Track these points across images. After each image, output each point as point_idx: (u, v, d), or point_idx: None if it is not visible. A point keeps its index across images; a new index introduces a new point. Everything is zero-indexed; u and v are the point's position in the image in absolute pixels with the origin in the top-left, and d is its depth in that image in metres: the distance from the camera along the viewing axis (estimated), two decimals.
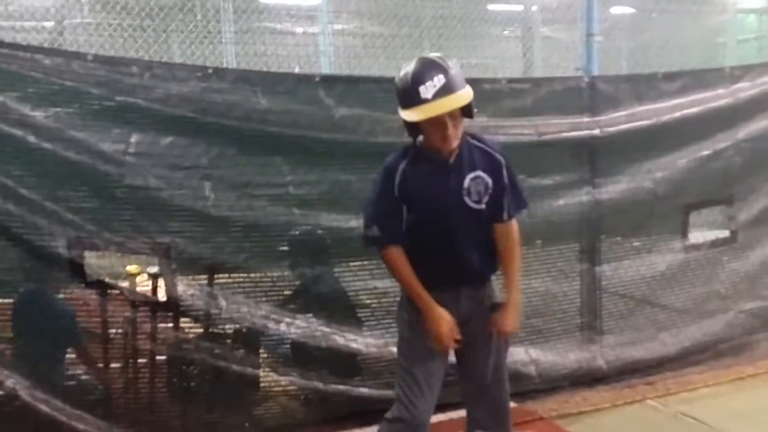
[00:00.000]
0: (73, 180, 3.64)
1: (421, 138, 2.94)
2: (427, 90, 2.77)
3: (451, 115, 2.82)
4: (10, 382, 3.44)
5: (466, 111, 2.87)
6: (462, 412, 3.33)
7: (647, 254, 4.83)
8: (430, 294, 2.98)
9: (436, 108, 2.78)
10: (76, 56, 3.70)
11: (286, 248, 4.07)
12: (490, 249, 3.08)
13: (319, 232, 4.06)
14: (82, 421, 3.57)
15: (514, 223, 3.10)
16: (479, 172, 2.97)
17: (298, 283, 4.14)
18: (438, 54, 2.96)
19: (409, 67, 2.85)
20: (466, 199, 2.96)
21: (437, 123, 2.82)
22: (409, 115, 2.82)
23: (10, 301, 3.72)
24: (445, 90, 2.78)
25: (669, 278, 4.87)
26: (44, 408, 3.49)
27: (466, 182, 2.95)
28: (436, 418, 3.78)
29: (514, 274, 3.11)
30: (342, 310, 4.12)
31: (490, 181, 2.98)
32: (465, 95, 2.83)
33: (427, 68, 2.81)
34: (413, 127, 2.88)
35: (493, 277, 3.17)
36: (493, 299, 3.13)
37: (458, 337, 3.00)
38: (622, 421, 4.26)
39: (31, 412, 3.47)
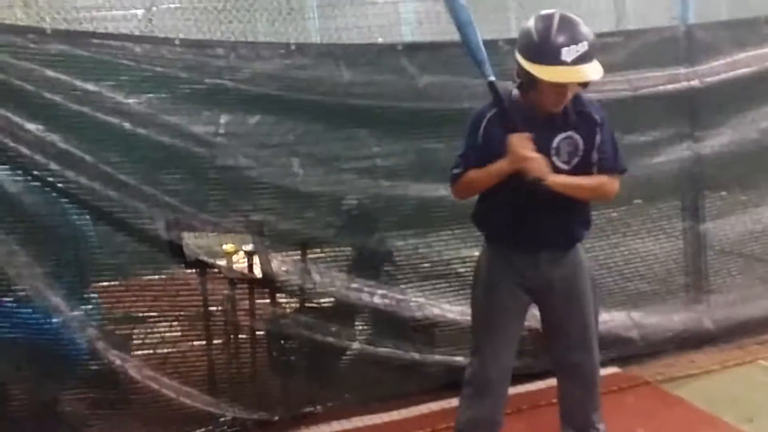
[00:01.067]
0: (167, 163, 3.73)
1: (516, 91, 2.84)
2: (569, 53, 2.63)
3: (572, 88, 2.75)
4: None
5: (583, 83, 2.80)
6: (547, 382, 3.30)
7: (754, 208, 4.61)
8: (509, 254, 2.93)
9: (572, 75, 2.67)
10: (164, 42, 3.76)
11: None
12: (577, 213, 2.96)
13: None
14: (189, 396, 3.70)
15: (605, 179, 2.93)
16: (571, 132, 2.85)
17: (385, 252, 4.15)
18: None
19: (550, 21, 2.68)
20: (555, 158, 2.84)
21: (557, 89, 2.72)
22: (541, 72, 2.66)
23: (117, 283, 3.89)
24: (585, 58, 2.66)
25: None
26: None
27: (556, 141, 2.84)
28: (524, 388, 3.85)
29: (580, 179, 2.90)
30: (433, 279, 4.10)
31: (581, 142, 2.86)
32: (600, 69, 2.72)
33: (573, 29, 2.67)
34: (530, 81, 2.74)
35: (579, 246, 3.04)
36: (581, 265, 3.02)
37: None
38: (732, 382, 4.11)
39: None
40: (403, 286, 4.10)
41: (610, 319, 4.27)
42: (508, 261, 2.96)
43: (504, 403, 3.07)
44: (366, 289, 4.04)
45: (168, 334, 3.93)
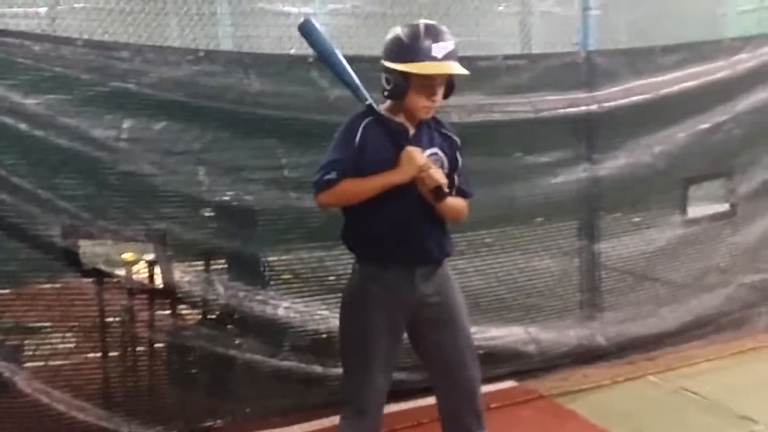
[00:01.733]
0: (65, 168, 3.61)
1: (383, 106, 2.87)
2: (439, 49, 2.71)
3: (441, 85, 2.80)
4: None
5: (447, 89, 2.84)
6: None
7: (646, 229, 4.82)
8: (383, 274, 2.86)
9: (444, 68, 2.73)
10: (66, 41, 3.63)
11: None
12: (444, 229, 2.98)
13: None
14: (82, 411, 3.57)
15: (465, 203, 2.99)
16: (437, 149, 2.91)
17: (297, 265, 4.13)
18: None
19: (417, 26, 2.76)
20: None
21: (428, 87, 2.77)
22: (413, 68, 2.71)
23: (8, 291, 3.72)
24: (453, 56, 2.75)
25: (669, 253, 4.86)
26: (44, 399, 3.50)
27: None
28: (398, 407, 3.84)
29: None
30: (339, 292, 4.10)
31: (446, 160, 2.92)
32: (464, 71, 2.79)
33: (439, 31, 2.77)
34: (401, 87, 2.77)
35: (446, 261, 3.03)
36: (451, 280, 3.03)
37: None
38: (622, 397, 4.27)
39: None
40: (308, 299, 4.08)
41: (508, 334, 4.39)
42: (381, 281, 2.88)
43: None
44: (271, 301, 4.00)
45: (61, 346, 3.77)
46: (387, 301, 2.89)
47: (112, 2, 5.79)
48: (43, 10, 5.19)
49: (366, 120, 2.84)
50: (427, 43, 2.73)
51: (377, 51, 3.01)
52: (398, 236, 2.86)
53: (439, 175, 2.78)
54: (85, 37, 3.94)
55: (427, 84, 2.77)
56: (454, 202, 2.91)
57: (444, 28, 2.81)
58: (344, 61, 2.89)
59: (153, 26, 5.74)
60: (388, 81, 2.80)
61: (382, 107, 2.88)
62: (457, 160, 2.96)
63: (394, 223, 2.84)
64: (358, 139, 2.82)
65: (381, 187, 2.77)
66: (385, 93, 2.83)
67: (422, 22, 2.80)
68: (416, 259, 2.91)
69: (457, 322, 3.00)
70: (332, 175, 2.79)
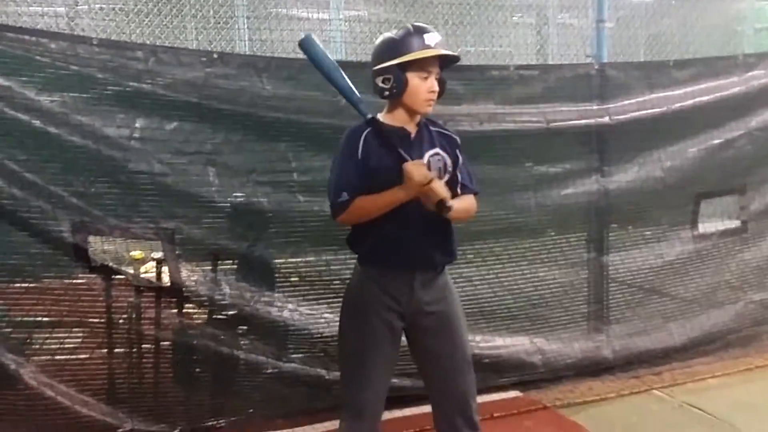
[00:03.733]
0: (77, 165, 3.63)
1: (382, 114, 2.91)
2: (431, 38, 2.82)
3: (437, 75, 2.87)
4: None
5: (441, 88, 2.90)
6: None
7: (656, 244, 4.78)
8: (383, 277, 2.88)
9: (440, 51, 2.82)
10: (82, 40, 3.68)
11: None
12: (448, 233, 2.97)
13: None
14: (86, 405, 3.60)
15: (473, 199, 3.02)
16: (438, 149, 2.94)
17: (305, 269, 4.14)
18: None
19: (404, 26, 2.87)
20: None
21: (426, 77, 2.83)
22: (410, 57, 2.78)
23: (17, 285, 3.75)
24: (443, 45, 2.86)
25: (678, 268, 4.83)
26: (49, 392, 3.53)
27: (426, 158, 2.89)
28: (401, 413, 3.88)
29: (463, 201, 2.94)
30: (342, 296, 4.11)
31: (448, 159, 2.96)
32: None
33: (426, 26, 2.88)
34: (397, 84, 2.80)
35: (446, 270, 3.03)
36: (451, 288, 3.02)
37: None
38: (627, 410, 4.24)
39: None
40: (314, 302, 4.10)
41: (514, 344, 4.38)
42: (381, 286, 2.89)
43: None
44: (277, 303, 4.02)
45: (68, 341, 3.78)
46: (385, 305, 2.89)
47: (131, 3, 5.86)
48: (61, 9, 5.26)
49: (365, 131, 2.86)
50: (418, 35, 2.83)
51: None
52: (399, 240, 2.86)
53: (442, 189, 2.77)
54: (106, 36, 3.99)
55: (425, 74, 2.83)
56: (462, 205, 2.91)
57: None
58: (345, 77, 2.93)
59: (170, 28, 5.81)
60: (385, 81, 2.83)
61: (381, 115, 2.91)
62: (458, 157, 2.98)
63: (394, 228, 2.84)
64: (361, 152, 2.85)
65: (390, 205, 2.80)
66: (386, 93, 2.85)
67: (409, 23, 2.90)
68: (416, 264, 2.91)
69: (455, 333, 2.98)
70: (344, 197, 2.81)
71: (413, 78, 2.82)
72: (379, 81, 2.85)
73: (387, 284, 2.89)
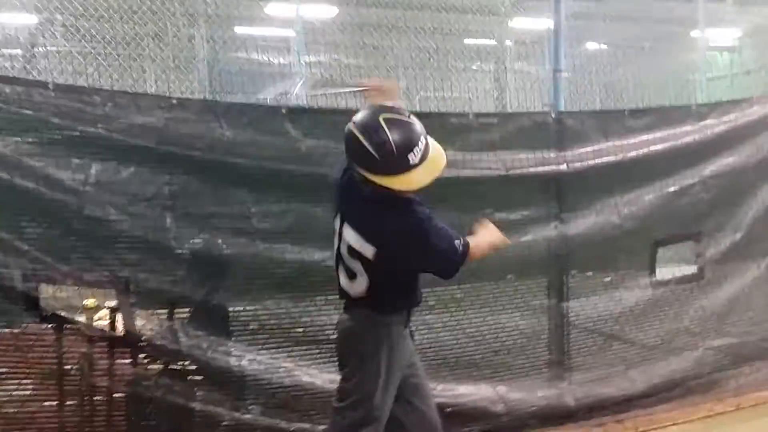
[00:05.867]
0: (30, 211, 3.58)
1: None
2: (413, 156, 2.77)
3: None
4: None
5: None
6: None
7: (615, 290, 4.81)
8: (404, 336, 3.06)
9: (433, 170, 2.84)
10: (37, 85, 3.64)
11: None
12: None
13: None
14: None
15: None
16: None
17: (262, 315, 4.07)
18: (391, 105, 2.90)
19: (386, 135, 2.73)
20: None
21: None
22: (402, 183, 2.80)
23: None
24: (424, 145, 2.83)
25: (637, 314, 4.86)
26: None
27: None
28: None
29: None
30: (304, 345, 4.05)
31: None
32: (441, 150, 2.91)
33: (405, 131, 2.77)
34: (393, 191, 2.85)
35: None
36: None
37: None
38: None
39: None
40: (272, 351, 4.02)
41: (476, 392, 4.34)
42: (404, 341, 3.06)
43: None
44: (235, 352, 3.93)
45: (16, 392, 3.68)
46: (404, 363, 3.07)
47: (89, 46, 5.80)
48: (17, 51, 5.18)
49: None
50: (402, 154, 2.75)
51: (352, 104, 3.04)
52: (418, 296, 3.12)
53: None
54: (59, 81, 3.93)
55: None
56: None
57: (404, 118, 2.80)
58: None
59: (129, 71, 5.76)
60: (368, 182, 2.84)
61: None
62: None
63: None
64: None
65: (493, 248, 3.10)
66: (365, 193, 2.90)
67: (386, 126, 2.74)
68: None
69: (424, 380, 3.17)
70: (462, 244, 2.90)
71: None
72: (368, 188, 2.91)
73: (406, 339, 3.08)
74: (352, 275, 2.98)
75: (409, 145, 2.74)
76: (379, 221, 2.87)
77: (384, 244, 2.86)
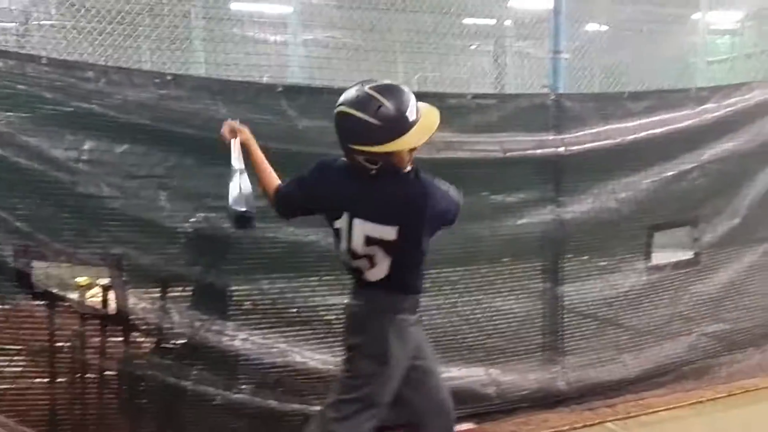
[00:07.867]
0: (22, 187, 3.52)
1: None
2: (411, 111, 2.80)
3: None
4: None
5: None
6: None
7: (610, 275, 4.78)
8: (410, 328, 3.06)
9: (428, 128, 2.84)
10: (30, 59, 3.58)
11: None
12: None
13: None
14: None
15: None
16: None
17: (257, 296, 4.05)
18: (373, 83, 2.89)
19: (378, 102, 2.77)
20: None
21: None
22: (404, 144, 2.79)
23: None
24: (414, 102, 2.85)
25: (632, 299, 4.84)
26: None
27: None
28: None
29: None
30: (297, 325, 4.03)
31: None
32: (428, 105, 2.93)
33: (395, 93, 2.81)
34: (389, 161, 2.86)
35: None
36: None
37: None
38: None
39: None
40: (266, 331, 4.00)
41: (469, 375, 4.34)
42: (411, 329, 3.06)
43: None
44: (228, 331, 3.92)
45: (7, 369, 3.66)
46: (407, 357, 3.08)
47: (83, 21, 5.73)
48: (11, 25, 5.11)
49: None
50: (401, 113, 2.77)
51: (349, 83, 3.00)
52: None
53: None
54: (52, 55, 3.88)
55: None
56: None
57: (391, 84, 2.85)
58: None
59: (124, 47, 5.69)
60: (372, 162, 2.84)
61: None
62: None
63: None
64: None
65: None
66: (373, 172, 2.87)
67: (380, 95, 2.79)
68: None
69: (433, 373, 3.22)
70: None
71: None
72: (359, 159, 2.93)
73: (411, 331, 3.08)
74: (370, 263, 2.98)
75: (405, 103, 2.79)
76: (392, 200, 2.90)
77: (405, 217, 2.89)
